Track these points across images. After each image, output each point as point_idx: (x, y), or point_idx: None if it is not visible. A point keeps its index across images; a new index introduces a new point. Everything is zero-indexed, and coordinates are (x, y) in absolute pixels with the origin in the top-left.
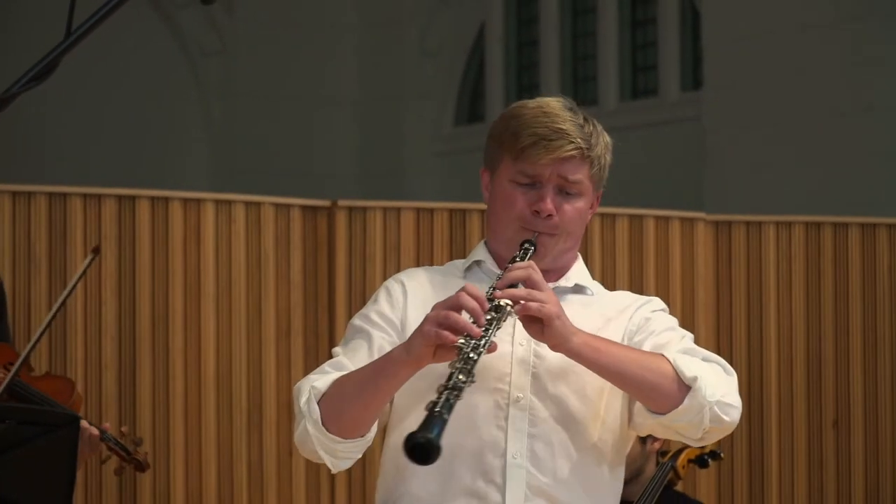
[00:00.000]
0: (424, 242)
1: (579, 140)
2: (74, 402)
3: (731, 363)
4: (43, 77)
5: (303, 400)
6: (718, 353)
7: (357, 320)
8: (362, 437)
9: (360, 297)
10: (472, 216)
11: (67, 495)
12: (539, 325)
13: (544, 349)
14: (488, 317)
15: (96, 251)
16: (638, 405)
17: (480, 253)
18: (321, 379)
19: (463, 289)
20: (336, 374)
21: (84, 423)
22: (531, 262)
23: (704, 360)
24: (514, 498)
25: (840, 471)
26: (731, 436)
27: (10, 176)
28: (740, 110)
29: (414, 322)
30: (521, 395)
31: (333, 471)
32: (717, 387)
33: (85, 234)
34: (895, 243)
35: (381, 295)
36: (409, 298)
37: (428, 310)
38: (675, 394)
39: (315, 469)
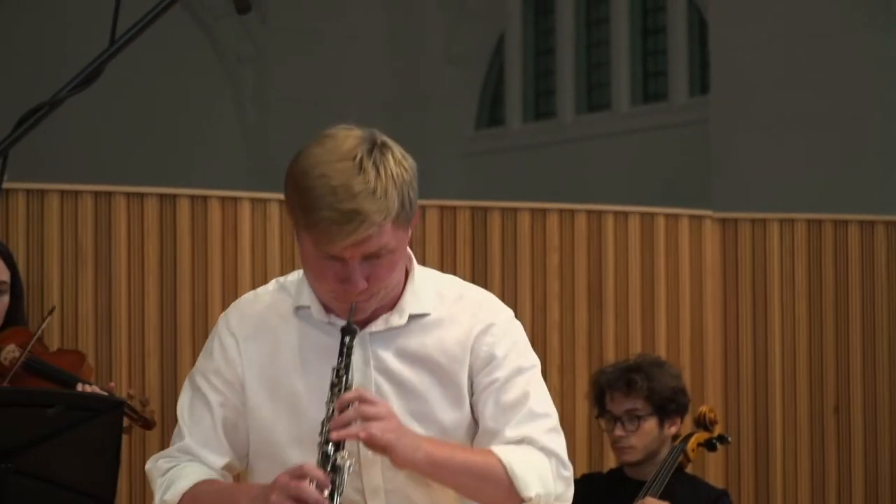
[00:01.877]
0: (448, 238)
1: (374, 215)
2: (84, 371)
3: (736, 354)
4: (89, 82)
5: (158, 497)
6: (725, 345)
7: (198, 378)
8: None
9: None
10: (493, 214)
11: (113, 478)
12: (382, 448)
13: (386, 398)
14: (332, 478)
15: (52, 311)
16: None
17: (306, 296)
18: (170, 481)
19: (302, 477)
20: (184, 482)
21: (94, 388)
22: (359, 391)
23: (542, 449)
24: None
25: (840, 454)
26: (738, 421)
27: (58, 176)
28: (745, 114)
29: (252, 385)
30: (369, 454)
31: None
32: (547, 494)
33: (129, 231)
34: (892, 239)
35: (216, 350)
36: (243, 357)
37: (264, 370)
38: (510, 501)
39: None
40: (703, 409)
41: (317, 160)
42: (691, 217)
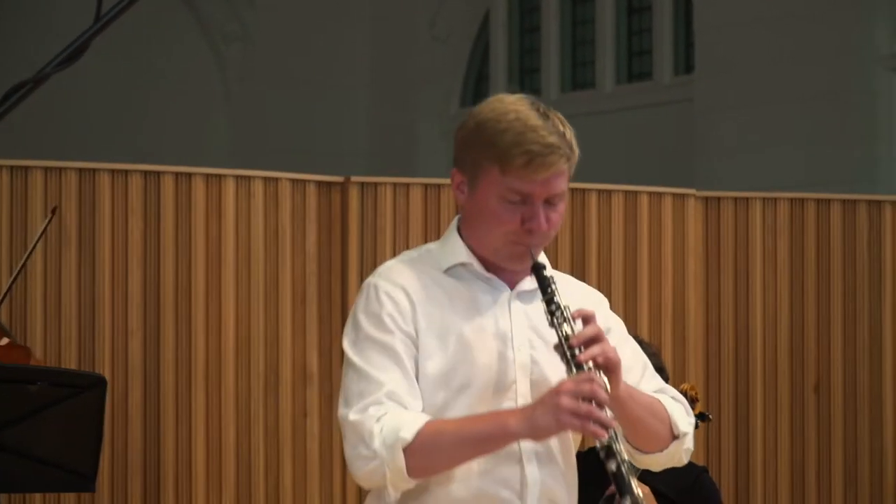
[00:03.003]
0: (432, 216)
1: (567, 151)
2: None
3: (718, 331)
4: (74, 59)
5: (382, 441)
6: (707, 323)
7: (368, 332)
8: None
9: (371, 267)
10: None
11: (95, 453)
12: (615, 366)
13: (538, 353)
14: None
15: (54, 211)
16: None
17: (462, 254)
18: (395, 421)
19: (593, 381)
20: (419, 420)
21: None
22: (597, 329)
23: (674, 398)
24: (533, 496)
25: (820, 432)
26: (719, 399)
27: (42, 153)
28: (729, 93)
29: (424, 331)
30: (525, 402)
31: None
32: (691, 438)
33: (113, 208)
34: (874, 218)
35: (386, 303)
36: (417, 309)
37: (433, 321)
38: (664, 441)
39: (328, 430)
40: (685, 386)
41: (504, 109)
42: (675, 195)
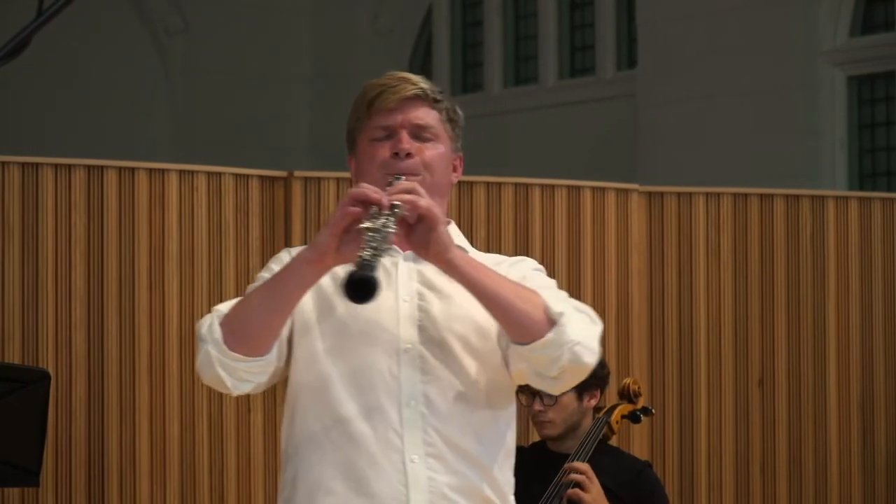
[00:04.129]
0: None
1: (422, 84)
2: None
3: (662, 326)
4: (15, 53)
5: (205, 326)
6: (650, 318)
7: (260, 275)
8: (262, 356)
9: None
10: None
11: (39, 447)
12: (424, 228)
13: (428, 303)
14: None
15: None
16: (505, 340)
17: None
18: (225, 304)
19: (361, 186)
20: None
21: None
22: (414, 183)
23: (575, 308)
24: (412, 441)
25: (765, 426)
26: (663, 394)
27: None
28: (672, 88)
29: (307, 298)
30: (409, 346)
31: (234, 393)
32: (581, 329)
33: (56, 203)
34: (817, 213)
35: (280, 257)
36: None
37: (326, 291)
38: (541, 325)
39: (272, 424)
40: (628, 380)
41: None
42: (618, 191)
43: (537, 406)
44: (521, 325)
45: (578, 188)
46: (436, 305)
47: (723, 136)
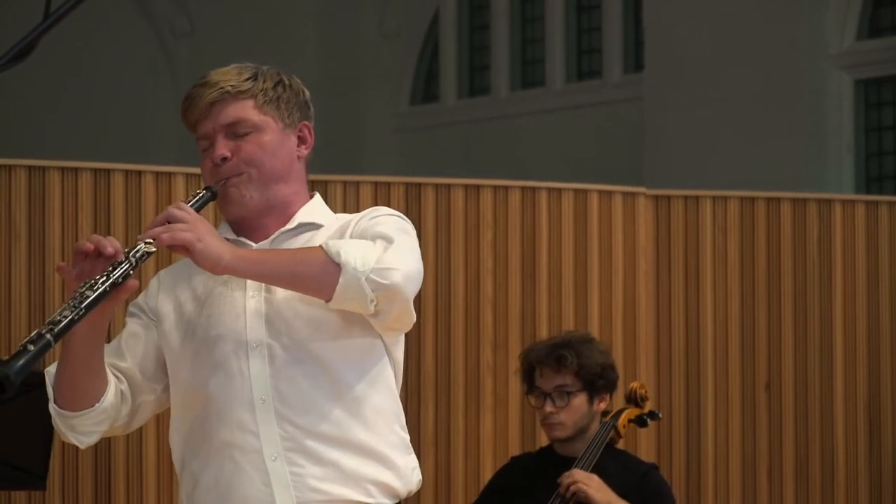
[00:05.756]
0: None
1: (220, 84)
2: None
3: (669, 330)
4: (22, 57)
5: (48, 371)
6: (657, 321)
7: (127, 314)
8: (92, 406)
9: None
10: (427, 190)
11: (46, 451)
12: (188, 253)
13: (273, 295)
14: (121, 260)
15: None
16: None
17: (223, 227)
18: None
19: (91, 238)
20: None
21: None
22: (176, 203)
23: (374, 236)
24: (269, 439)
25: (772, 430)
26: (670, 397)
27: None
28: (679, 92)
29: (163, 306)
30: (257, 342)
31: (82, 447)
32: (367, 257)
33: (63, 205)
34: (824, 217)
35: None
36: (161, 286)
37: (172, 298)
38: (332, 277)
39: None
40: (634, 384)
41: None
42: (624, 194)
43: (548, 408)
44: (316, 287)
45: (585, 191)
46: (280, 292)
47: (729, 139)
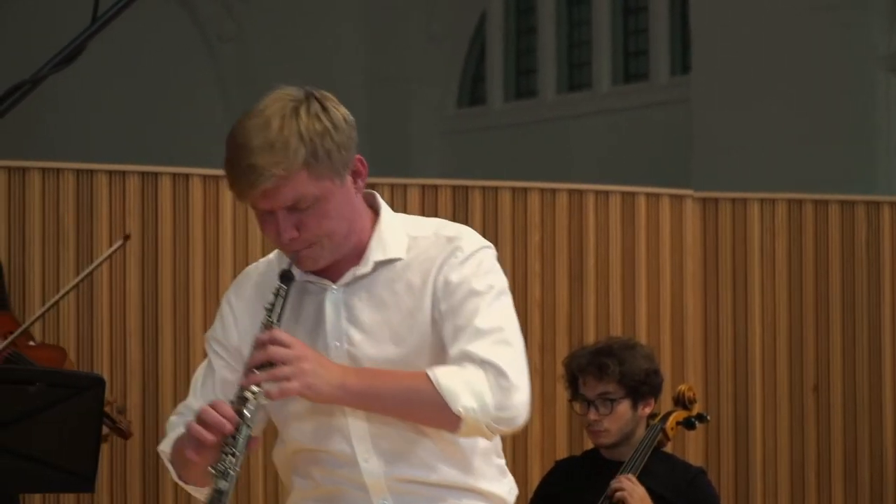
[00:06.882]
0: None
1: (271, 168)
2: (66, 367)
3: (717, 332)
4: (70, 60)
5: (167, 443)
6: (705, 324)
7: (206, 345)
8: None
9: None
10: (474, 193)
11: (94, 453)
12: (297, 394)
13: (357, 348)
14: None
15: (127, 238)
16: None
17: (285, 259)
18: (169, 435)
19: (211, 405)
20: (176, 432)
21: None
22: (272, 333)
23: (481, 362)
24: (377, 492)
25: (820, 433)
26: (718, 400)
27: (39, 154)
28: (726, 93)
29: (245, 344)
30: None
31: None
32: (484, 401)
33: (110, 209)
34: (872, 219)
35: (217, 318)
36: (238, 325)
37: (253, 328)
38: (450, 423)
39: None
40: (682, 387)
41: (238, 121)
42: (672, 196)
43: (592, 415)
44: (433, 426)
45: (633, 194)
46: (365, 349)
47: (777, 141)
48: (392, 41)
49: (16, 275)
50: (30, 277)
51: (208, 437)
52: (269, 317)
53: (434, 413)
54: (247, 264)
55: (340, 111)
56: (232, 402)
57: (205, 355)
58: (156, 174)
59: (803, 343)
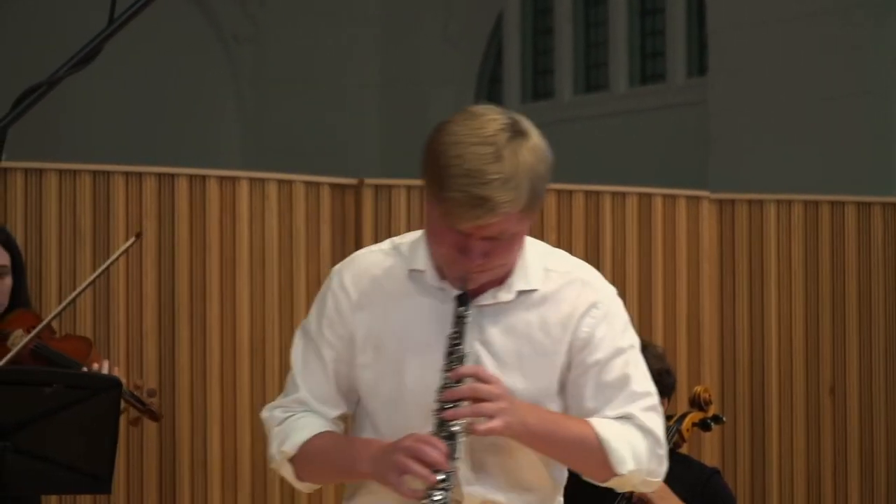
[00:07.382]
0: None
1: (503, 205)
2: (92, 358)
3: (733, 333)
4: (87, 61)
5: (274, 447)
6: (721, 325)
7: (312, 330)
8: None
9: None
10: None
11: (111, 454)
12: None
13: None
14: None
15: (139, 235)
16: None
17: (420, 260)
18: (286, 432)
19: (428, 443)
20: (304, 433)
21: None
22: (476, 369)
23: (640, 427)
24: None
25: (836, 435)
26: (734, 401)
27: (56, 155)
28: (743, 95)
29: (361, 343)
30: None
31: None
32: (642, 471)
33: (127, 210)
34: (889, 220)
35: (329, 303)
36: (355, 315)
37: (372, 331)
38: (601, 476)
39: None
40: (698, 388)
41: (456, 139)
42: (688, 198)
43: None
44: (586, 474)
45: (649, 195)
46: (493, 372)
47: (794, 142)
48: (408, 42)
49: (33, 277)
50: (47, 279)
51: (432, 478)
52: (457, 344)
53: (595, 465)
54: (263, 266)
55: (542, 142)
56: (435, 434)
57: (221, 355)
58: (172, 175)
59: (819, 344)
